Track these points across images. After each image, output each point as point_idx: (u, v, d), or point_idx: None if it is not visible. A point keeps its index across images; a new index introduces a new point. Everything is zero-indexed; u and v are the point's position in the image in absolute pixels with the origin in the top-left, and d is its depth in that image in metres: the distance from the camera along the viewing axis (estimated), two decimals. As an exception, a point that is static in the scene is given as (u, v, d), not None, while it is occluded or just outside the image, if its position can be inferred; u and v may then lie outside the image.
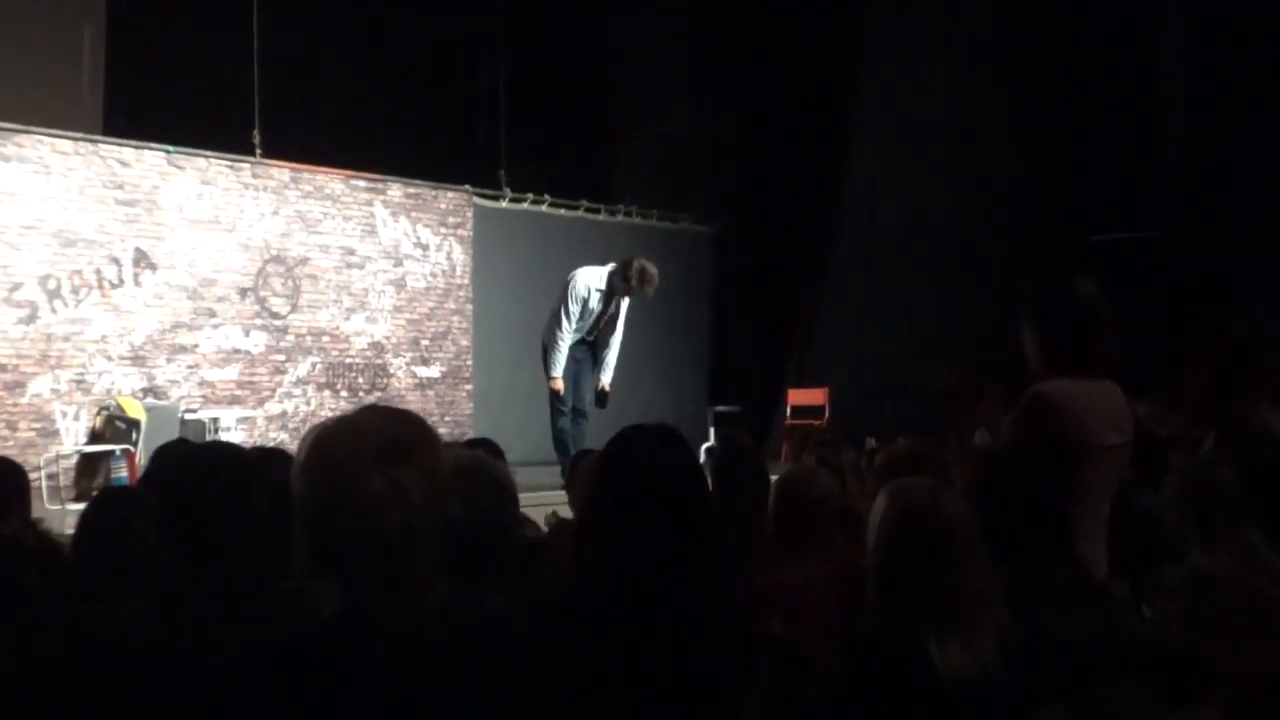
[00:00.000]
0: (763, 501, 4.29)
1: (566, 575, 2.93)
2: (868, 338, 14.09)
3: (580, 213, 15.16)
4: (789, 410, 14.59)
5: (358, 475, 1.91)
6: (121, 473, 9.29)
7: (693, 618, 2.50)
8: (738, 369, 15.85)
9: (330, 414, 12.77)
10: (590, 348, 10.02)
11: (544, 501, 8.36)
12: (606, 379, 10.02)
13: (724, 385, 15.74)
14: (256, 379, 12.38)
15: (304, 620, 2.12)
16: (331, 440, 1.98)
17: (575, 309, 9.69)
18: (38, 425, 10.53)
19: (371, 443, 1.95)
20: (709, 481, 3.19)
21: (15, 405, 10.40)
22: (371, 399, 13.11)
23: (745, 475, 4.42)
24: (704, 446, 11.62)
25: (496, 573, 2.83)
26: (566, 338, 9.73)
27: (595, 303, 9.73)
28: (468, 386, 14.03)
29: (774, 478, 4.44)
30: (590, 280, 9.76)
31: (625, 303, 9.97)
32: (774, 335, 15.61)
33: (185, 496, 2.63)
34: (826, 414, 14.16)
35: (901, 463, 4.32)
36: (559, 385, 9.77)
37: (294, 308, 12.69)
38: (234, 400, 12.11)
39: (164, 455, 3.36)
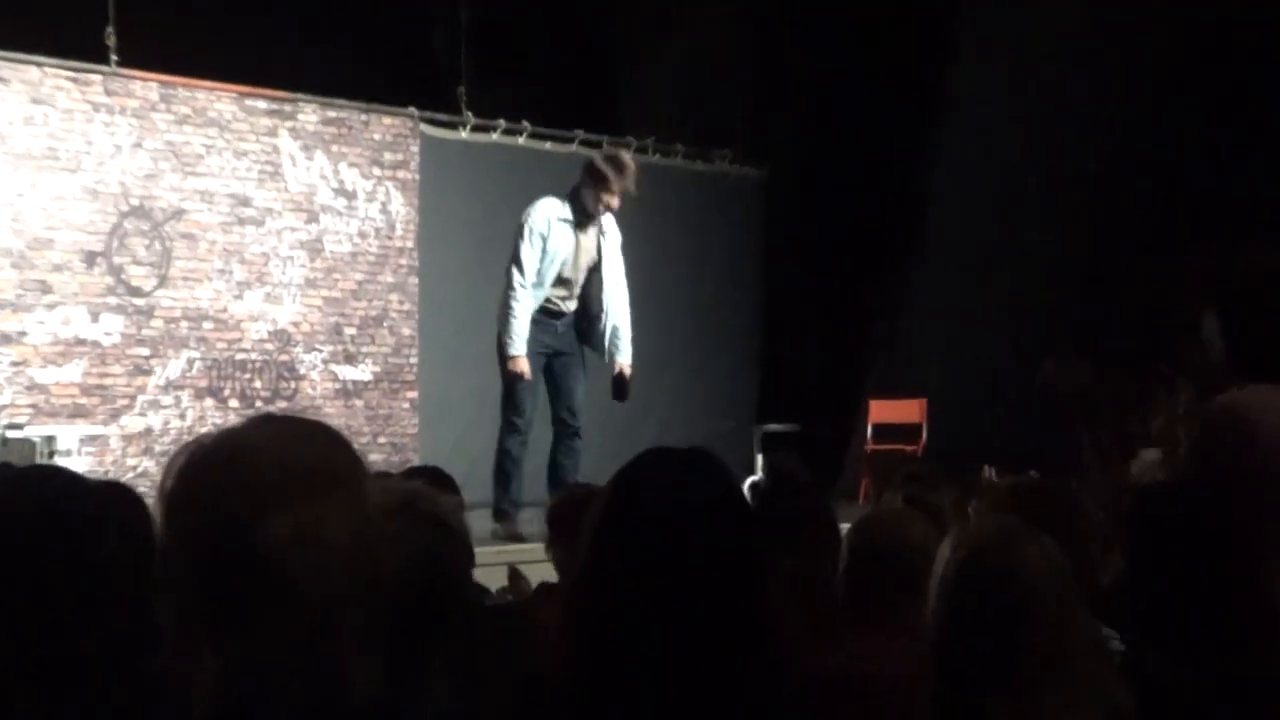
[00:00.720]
0: (829, 555, 4.31)
1: (548, 656, 2.94)
2: (973, 330, 14.08)
3: (574, 147, 15.15)
4: (870, 430, 14.61)
5: (252, 515, 1.90)
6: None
7: (730, 715, 2.50)
8: (796, 372, 15.85)
9: (217, 429, 12.80)
10: (575, 323, 9.90)
11: (518, 557, 8.39)
12: (625, 357, 9.93)
13: (776, 395, 15.74)
14: (109, 382, 12.42)
15: (171, 713, 2.12)
16: (213, 464, 1.97)
17: (534, 252, 9.56)
18: None
19: (271, 469, 1.93)
20: (756, 528, 3.20)
21: None
22: (274, 410, 13.13)
23: (802, 519, 4.42)
24: (749, 481, 11.66)
25: (445, 652, 2.84)
26: (522, 297, 9.54)
27: (564, 239, 9.62)
28: (411, 394, 14.05)
29: (845, 525, 4.46)
30: (552, 211, 9.68)
31: (612, 231, 9.88)
32: (848, 324, 15.62)
33: (4, 546, 2.65)
34: (923, 436, 14.17)
35: (1027, 503, 4.33)
36: (523, 366, 9.60)
37: (162, 281, 12.73)
38: (77, 412, 12.16)
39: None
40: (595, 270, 9.77)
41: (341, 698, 1.92)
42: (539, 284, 9.58)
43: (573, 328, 9.86)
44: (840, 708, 3.44)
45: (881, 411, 14.74)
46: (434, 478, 4.47)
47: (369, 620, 1.96)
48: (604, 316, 9.85)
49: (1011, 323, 13.58)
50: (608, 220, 9.88)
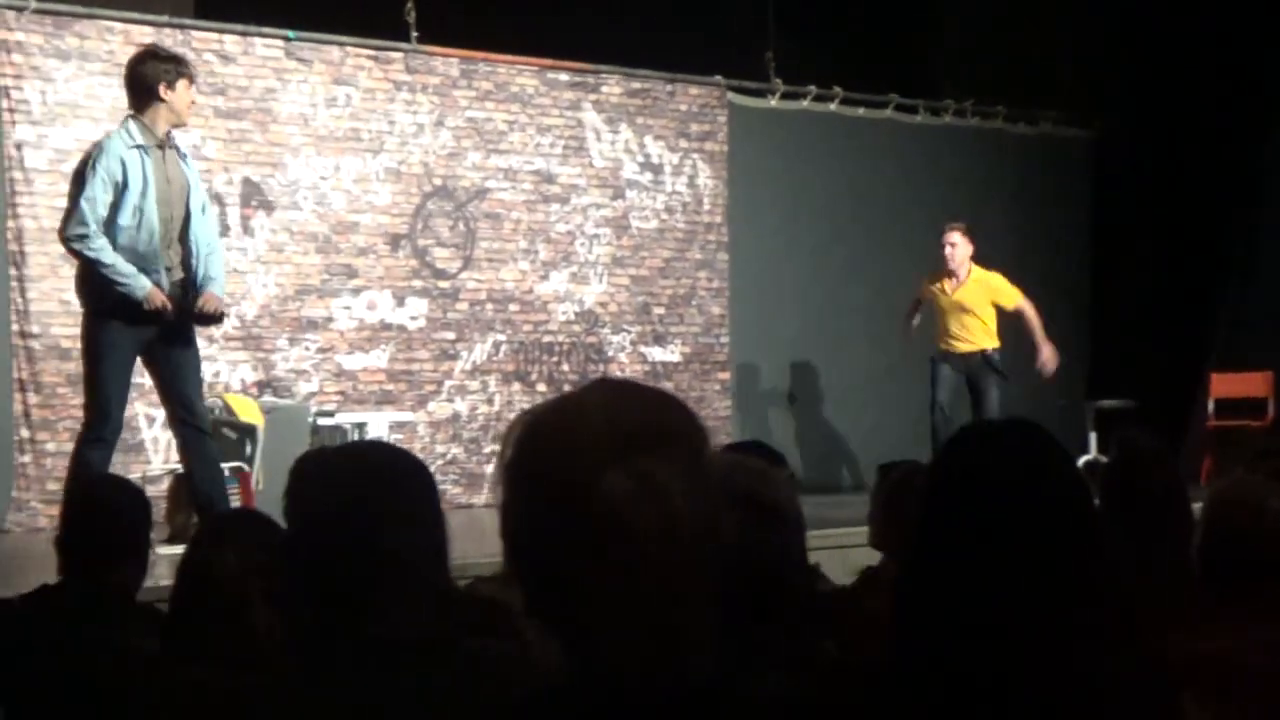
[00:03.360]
0: (1182, 534, 4.23)
1: (880, 643, 2.92)
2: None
3: (888, 112, 15.09)
4: (1211, 406, 14.30)
5: (592, 472, 1.91)
6: (233, 500, 9.62)
7: (1079, 704, 2.47)
8: (1129, 345, 15.57)
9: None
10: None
11: (834, 541, 8.39)
12: (218, 286, 8.71)
13: (1109, 370, 15.48)
14: (415, 367, 12.70)
15: (505, 692, 2.15)
16: (550, 427, 1.98)
17: (103, 187, 8.34)
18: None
19: (610, 428, 1.94)
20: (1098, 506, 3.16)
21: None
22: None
23: (1157, 496, 4.34)
24: (1082, 460, 11.48)
25: (778, 634, 2.84)
26: (101, 244, 8.28)
27: (139, 168, 8.42)
28: (722, 375, 14.11)
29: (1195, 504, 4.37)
30: (117, 143, 8.49)
31: (188, 157, 8.88)
32: (1186, 294, 15.28)
33: (322, 525, 2.72)
34: (1270, 410, 13.85)
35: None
36: (161, 300, 8.31)
37: (467, 263, 12.98)
38: (384, 399, 12.46)
39: (307, 470, 3.49)
40: (180, 197, 8.64)
41: (683, 674, 1.93)
42: (108, 223, 8.37)
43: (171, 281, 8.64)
44: (1194, 696, 3.36)
45: (1224, 385, 14.44)
46: (763, 453, 4.47)
47: (710, 590, 1.97)
48: (198, 248, 8.66)
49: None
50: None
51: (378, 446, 3.04)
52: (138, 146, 8.34)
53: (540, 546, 1.96)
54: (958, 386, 12.41)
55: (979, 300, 12.32)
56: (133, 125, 8.41)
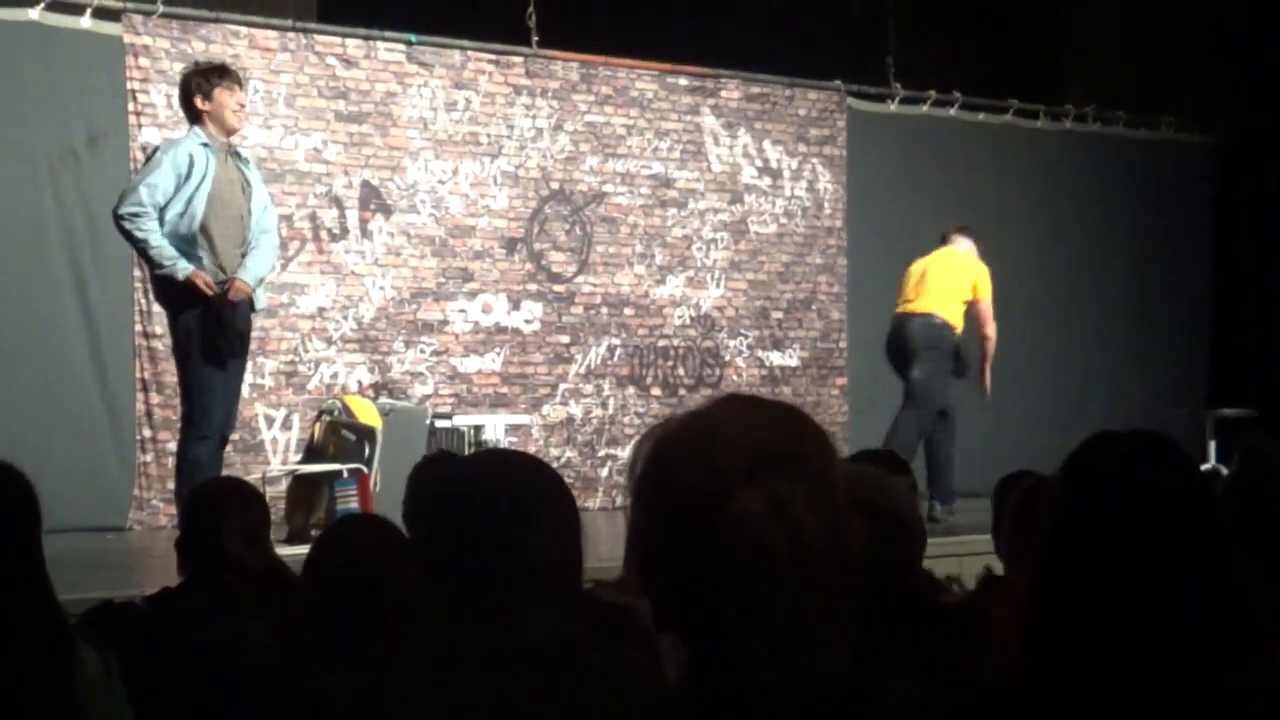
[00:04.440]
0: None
1: (1007, 653, 2.93)
2: None
3: (1008, 117, 15.01)
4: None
5: (724, 491, 1.93)
6: (350, 501, 9.67)
7: (1201, 713, 2.47)
8: (1252, 354, 15.42)
9: (640, 418, 13.12)
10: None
11: (960, 549, 8.37)
12: (249, 274, 8.75)
13: (1231, 379, 15.33)
14: (530, 370, 12.76)
15: (638, 702, 2.18)
16: (681, 445, 2.00)
17: (166, 176, 8.53)
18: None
19: (740, 445, 1.96)
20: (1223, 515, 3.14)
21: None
22: (697, 399, 13.32)
23: None
24: (1202, 469, 11.37)
25: (906, 641, 2.85)
26: (151, 226, 8.51)
27: (203, 162, 8.62)
28: (840, 380, 14.09)
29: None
30: (190, 139, 8.76)
31: (251, 163, 9.12)
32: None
33: (458, 529, 2.76)
34: (1397, 423, 13.64)
35: None
36: (203, 280, 8.49)
37: (583, 266, 13.03)
38: (499, 401, 12.52)
39: (427, 475, 3.54)
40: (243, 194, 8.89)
41: (813, 687, 1.94)
42: (172, 216, 8.65)
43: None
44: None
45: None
46: (888, 463, 4.48)
47: (840, 601, 1.99)
48: (256, 238, 8.92)
49: None
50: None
51: (507, 453, 3.08)
52: (205, 144, 8.62)
53: (670, 562, 1.99)
54: None
55: None
56: (199, 130, 8.72)
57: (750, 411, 2.03)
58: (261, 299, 9.05)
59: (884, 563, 3.04)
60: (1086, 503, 2.58)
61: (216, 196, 8.66)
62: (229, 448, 9.58)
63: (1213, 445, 13.48)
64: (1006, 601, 4.28)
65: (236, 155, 8.96)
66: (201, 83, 8.76)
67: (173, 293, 8.65)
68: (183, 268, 8.47)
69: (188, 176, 8.57)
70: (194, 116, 8.78)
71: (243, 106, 9.10)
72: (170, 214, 8.53)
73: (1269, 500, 4.27)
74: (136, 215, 8.50)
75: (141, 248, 8.65)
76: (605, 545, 7.87)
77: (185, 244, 8.54)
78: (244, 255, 8.78)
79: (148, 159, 9.07)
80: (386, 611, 3.34)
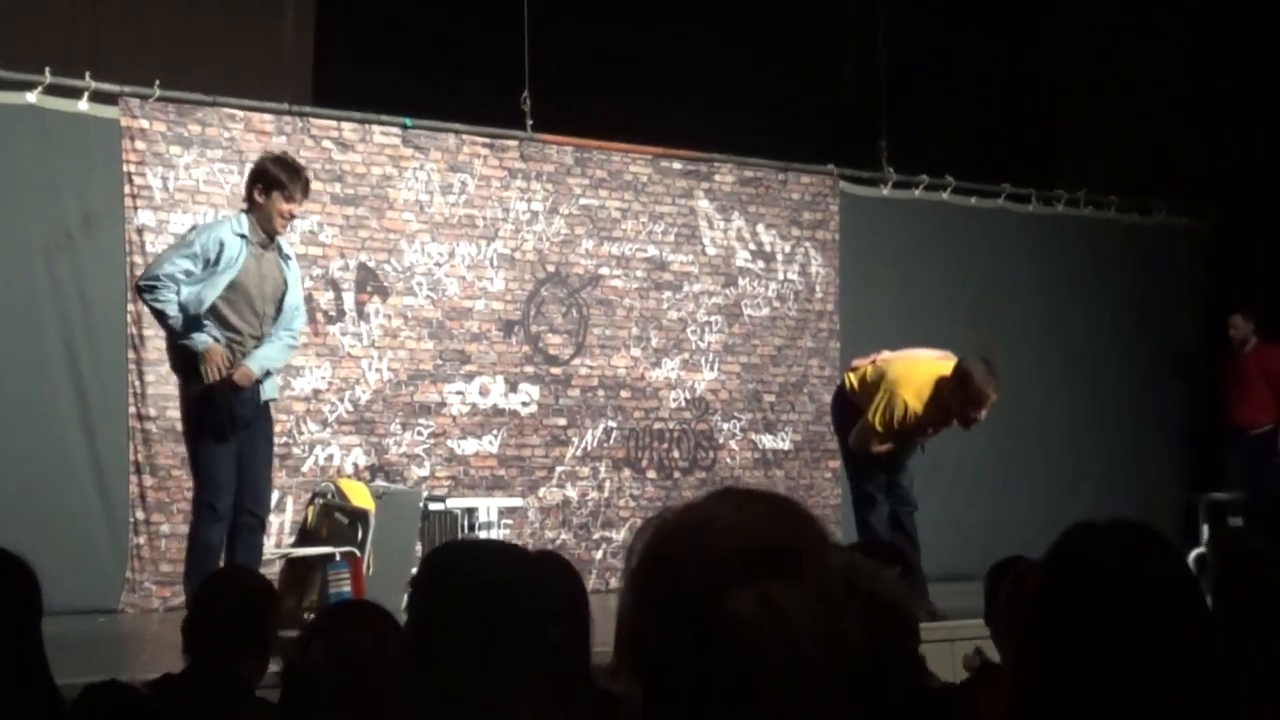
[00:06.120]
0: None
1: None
2: None
3: (1000, 201, 15.06)
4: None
5: (718, 590, 1.93)
6: (343, 585, 9.65)
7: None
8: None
9: (636, 500, 13.11)
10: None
11: (943, 634, 8.36)
12: (255, 363, 8.82)
13: (1217, 460, 15.31)
14: (527, 453, 12.75)
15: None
16: (677, 541, 2.00)
17: (192, 259, 8.65)
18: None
19: (734, 544, 1.96)
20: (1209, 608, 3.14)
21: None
22: (692, 481, 13.33)
23: (1267, 596, 4.30)
24: (1193, 555, 11.36)
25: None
26: (170, 297, 8.61)
27: (235, 253, 8.73)
28: (833, 464, 14.06)
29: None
30: (226, 226, 8.90)
31: (288, 253, 9.20)
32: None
33: (455, 617, 2.77)
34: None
35: None
36: (216, 362, 8.61)
37: (579, 349, 13.05)
38: (496, 483, 12.50)
39: (444, 563, 3.55)
40: (275, 288, 9.01)
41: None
42: (206, 295, 8.77)
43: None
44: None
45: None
46: (881, 553, 4.49)
47: (834, 703, 1.98)
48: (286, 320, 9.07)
49: None
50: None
51: (514, 546, 3.09)
52: (242, 235, 8.64)
53: (661, 656, 1.98)
54: None
55: None
56: (243, 217, 8.81)
57: (744, 507, 2.03)
58: (270, 389, 9.11)
59: (883, 655, 3.03)
60: (1067, 591, 2.57)
61: (240, 286, 8.74)
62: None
63: (1205, 529, 13.47)
64: (1000, 688, 4.29)
65: (278, 250, 9.05)
66: (270, 176, 8.84)
67: (186, 363, 8.75)
68: (202, 340, 8.58)
69: (215, 262, 8.66)
70: (248, 201, 8.91)
71: (293, 217, 9.18)
72: (185, 291, 8.61)
73: (1251, 589, 4.28)
74: (154, 287, 8.67)
75: (160, 317, 8.81)
76: (599, 629, 7.86)
77: (192, 323, 8.61)
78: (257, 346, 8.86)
79: (184, 236, 9.24)
80: (377, 699, 3.34)
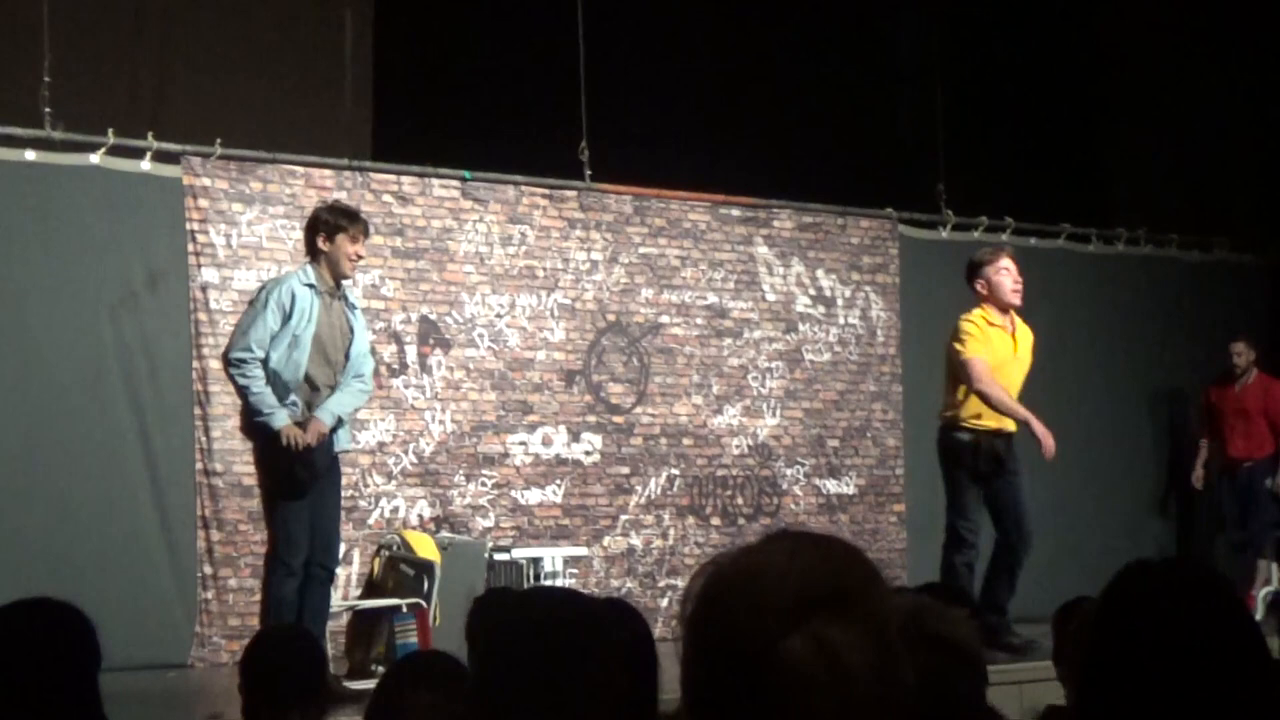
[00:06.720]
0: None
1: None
2: None
3: (1060, 241, 15.02)
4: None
5: (772, 635, 1.94)
6: (410, 636, 9.69)
7: None
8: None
9: (700, 548, 13.09)
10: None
11: (1011, 677, 8.31)
12: (325, 414, 8.95)
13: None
14: (590, 501, 12.76)
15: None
16: (731, 585, 2.01)
17: (273, 317, 8.77)
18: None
19: (786, 588, 1.97)
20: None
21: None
22: (756, 528, 13.29)
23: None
24: (1263, 591, 11.30)
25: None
26: (257, 374, 8.75)
27: (307, 304, 8.85)
28: (897, 508, 14.04)
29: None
30: (294, 278, 9.00)
31: (354, 301, 9.34)
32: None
33: (518, 669, 2.79)
34: None
35: None
36: (290, 439, 8.74)
37: (641, 397, 13.06)
38: (559, 533, 12.51)
39: (490, 612, 3.57)
40: (343, 335, 9.15)
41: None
42: (281, 356, 8.96)
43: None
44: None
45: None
46: (946, 594, 4.48)
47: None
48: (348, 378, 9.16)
49: None
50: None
51: (569, 592, 3.10)
52: (310, 285, 8.73)
53: (717, 700, 2.00)
54: None
55: None
56: (309, 268, 8.86)
57: (801, 551, 2.02)
58: (343, 440, 9.19)
59: (946, 697, 3.02)
60: (1121, 632, 2.57)
61: (320, 340, 8.86)
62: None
63: (1275, 567, 13.39)
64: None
65: (344, 299, 9.13)
66: (330, 222, 8.97)
67: (261, 429, 8.85)
68: (278, 421, 8.67)
69: (289, 316, 8.76)
70: (312, 253, 9.00)
71: (360, 258, 9.28)
72: (275, 356, 8.73)
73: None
74: (244, 362, 8.76)
75: (242, 393, 8.85)
76: (666, 676, 7.85)
77: (286, 390, 8.72)
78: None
79: (253, 298, 9.22)
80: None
